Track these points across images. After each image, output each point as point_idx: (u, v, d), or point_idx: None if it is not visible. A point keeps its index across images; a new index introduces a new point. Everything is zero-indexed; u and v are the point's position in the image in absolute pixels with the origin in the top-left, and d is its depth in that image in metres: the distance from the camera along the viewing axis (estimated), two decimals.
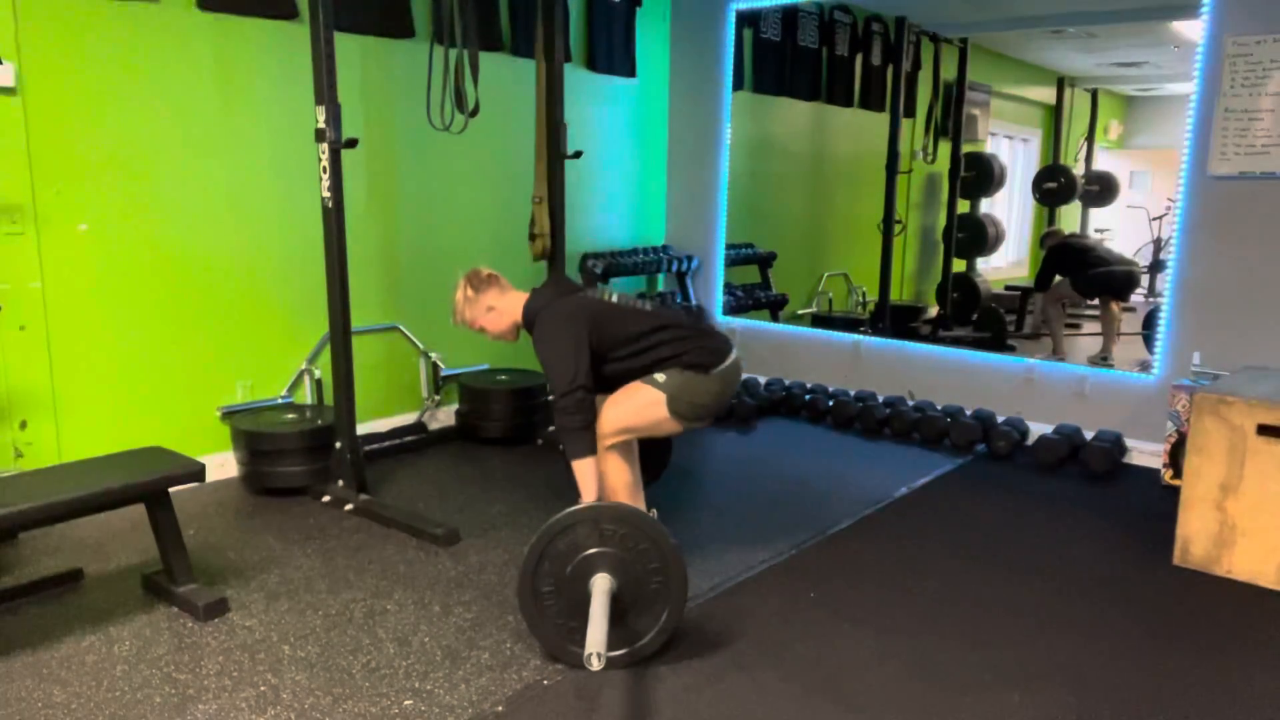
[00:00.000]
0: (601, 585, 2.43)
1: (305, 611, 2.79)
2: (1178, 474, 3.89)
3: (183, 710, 2.28)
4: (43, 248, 3.37)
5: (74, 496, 2.56)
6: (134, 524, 3.35)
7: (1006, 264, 5.71)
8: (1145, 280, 4.92)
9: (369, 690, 2.37)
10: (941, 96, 5.43)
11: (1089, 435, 4.37)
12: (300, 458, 3.71)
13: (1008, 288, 5.72)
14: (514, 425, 4.47)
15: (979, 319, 5.46)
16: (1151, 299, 4.74)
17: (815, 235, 6.13)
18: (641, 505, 2.95)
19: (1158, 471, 4.14)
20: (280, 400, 4.07)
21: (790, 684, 2.43)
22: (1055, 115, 5.39)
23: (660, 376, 2.91)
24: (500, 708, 2.30)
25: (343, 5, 3.75)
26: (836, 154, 5.98)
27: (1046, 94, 5.39)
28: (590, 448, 2.81)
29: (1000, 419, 4.61)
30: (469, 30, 3.84)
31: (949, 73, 5.37)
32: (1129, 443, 4.34)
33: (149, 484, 2.70)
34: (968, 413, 4.72)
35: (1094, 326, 5.13)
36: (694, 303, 5.78)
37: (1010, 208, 5.67)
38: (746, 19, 5.50)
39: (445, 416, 4.73)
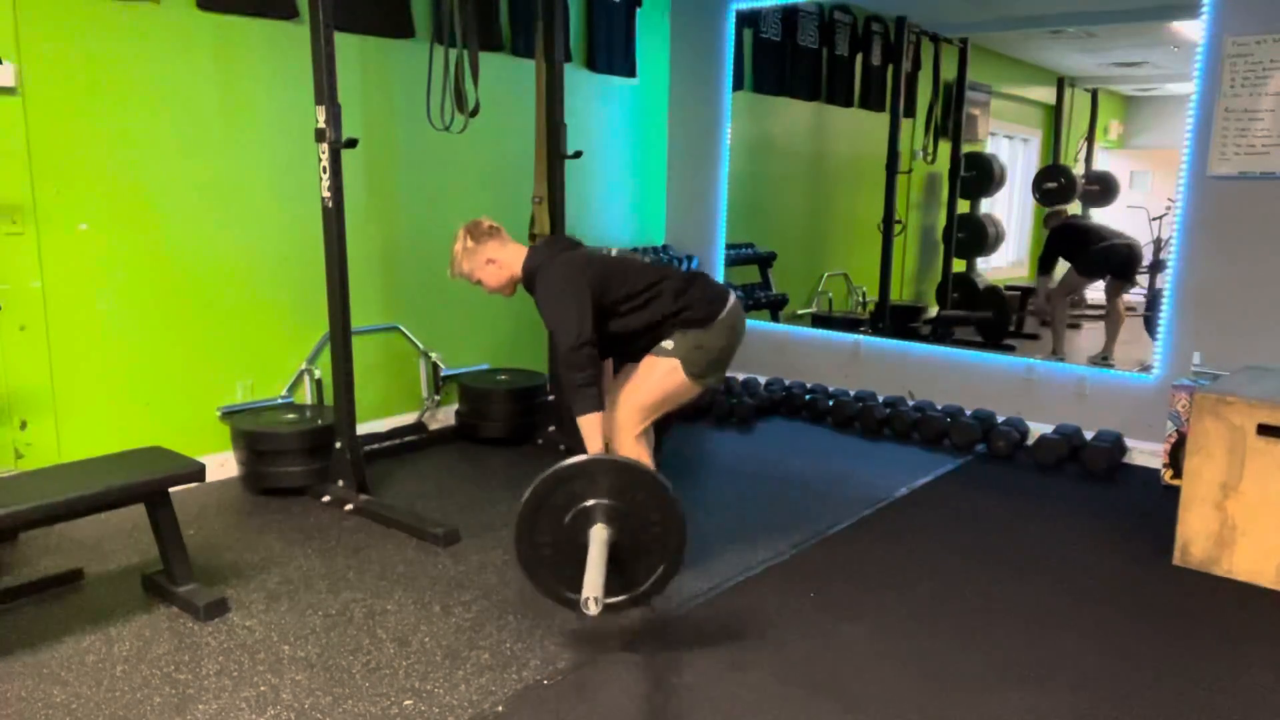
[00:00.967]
0: (599, 535, 2.42)
1: (305, 611, 2.79)
2: (1178, 474, 3.89)
3: (183, 710, 2.28)
4: (43, 248, 3.37)
5: (74, 496, 2.56)
6: (134, 524, 3.35)
7: (1006, 264, 5.71)
8: (1146, 276, 4.93)
9: (369, 690, 2.37)
10: (941, 96, 5.43)
11: (1089, 435, 4.37)
12: (300, 458, 3.71)
13: (1008, 288, 5.72)
14: (514, 425, 4.47)
15: (982, 300, 5.46)
16: (1147, 293, 4.74)
17: (815, 235, 6.13)
18: None
19: (1158, 471, 4.14)
20: (280, 400, 4.07)
21: (790, 684, 2.43)
22: (1055, 115, 5.39)
23: (668, 344, 2.88)
24: (500, 708, 2.30)
25: (343, 5, 3.75)
26: (836, 154, 5.98)
27: (1046, 94, 5.39)
28: (597, 403, 2.73)
29: (1000, 419, 4.61)
30: (469, 30, 3.84)
31: (949, 73, 5.37)
32: (1129, 443, 4.34)
33: (149, 484, 2.70)
34: (968, 413, 4.72)
35: (1093, 325, 5.13)
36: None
37: (1010, 208, 5.67)
38: (746, 19, 5.50)
39: (445, 416, 4.73)
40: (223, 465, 3.90)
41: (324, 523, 3.49)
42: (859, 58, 5.58)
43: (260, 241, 3.94)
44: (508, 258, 3.00)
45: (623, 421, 2.89)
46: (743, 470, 4.23)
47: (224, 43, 3.73)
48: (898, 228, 5.48)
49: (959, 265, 5.67)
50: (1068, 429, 4.38)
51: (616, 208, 5.58)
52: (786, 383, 5.32)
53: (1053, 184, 5.40)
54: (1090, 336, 5.12)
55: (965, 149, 5.48)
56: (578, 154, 4.35)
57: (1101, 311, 5.05)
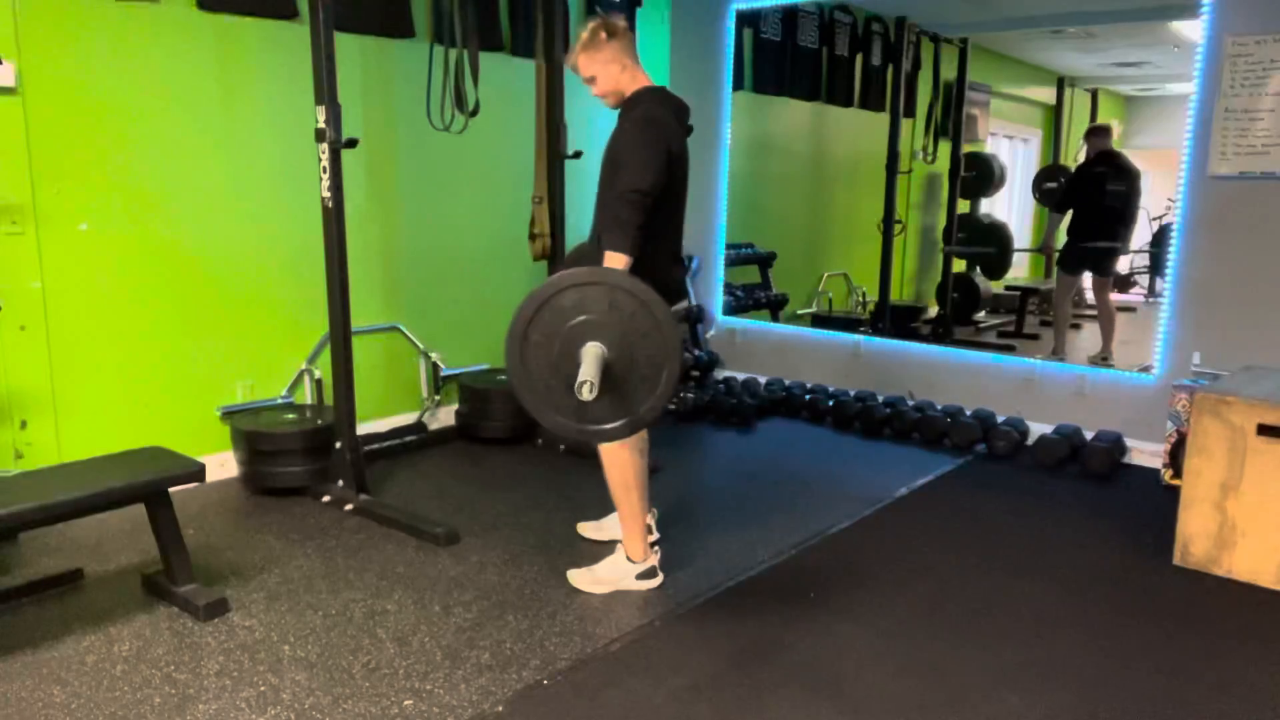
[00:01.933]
0: (593, 347, 2.35)
1: (305, 611, 2.79)
2: (1178, 474, 3.89)
3: (183, 710, 2.28)
4: (43, 248, 3.37)
5: (74, 496, 2.56)
6: (134, 524, 3.35)
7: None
8: (1144, 280, 4.93)
9: (369, 690, 2.37)
10: (941, 96, 5.43)
11: (1089, 435, 4.37)
12: (300, 458, 3.71)
13: (1008, 288, 5.72)
14: (514, 425, 4.47)
15: (986, 235, 5.47)
16: (1150, 299, 4.74)
17: (815, 235, 6.13)
18: (646, 492, 2.94)
19: (1158, 471, 4.14)
20: (280, 400, 4.07)
21: (790, 684, 2.43)
22: (1055, 115, 5.39)
23: None
24: (500, 708, 2.30)
25: (343, 5, 3.75)
26: (836, 154, 5.98)
27: (1046, 94, 5.40)
28: (635, 246, 2.62)
29: (1000, 419, 4.61)
30: (469, 30, 3.84)
31: (949, 73, 5.38)
32: (1129, 443, 4.34)
33: (149, 484, 2.70)
34: (968, 413, 4.72)
35: (1093, 325, 5.13)
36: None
37: (1010, 208, 5.67)
38: (746, 19, 5.50)
39: (445, 416, 4.73)
40: (223, 465, 3.90)
41: (324, 523, 3.49)
42: (859, 58, 5.58)
43: (260, 241, 3.94)
44: (630, 70, 2.84)
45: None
46: (743, 470, 4.23)
47: (224, 43, 3.73)
48: (898, 228, 5.48)
49: (959, 265, 5.68)
50: (1068, 429, 4.38)
51: None
52: (786, 383, 5.32)
53: (1053, 184, 5.41)
54: (1090, 336, 5.12)
55: (965, 149, 5.48)
56: (578, 154, 4.35)
57: (1094, 313, 5.06)
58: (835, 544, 3.38)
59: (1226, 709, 2.37)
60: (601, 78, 2.85)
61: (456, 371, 4.70)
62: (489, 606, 2.84)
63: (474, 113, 3.87)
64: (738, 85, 5.56)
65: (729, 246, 5.72)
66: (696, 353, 5.52)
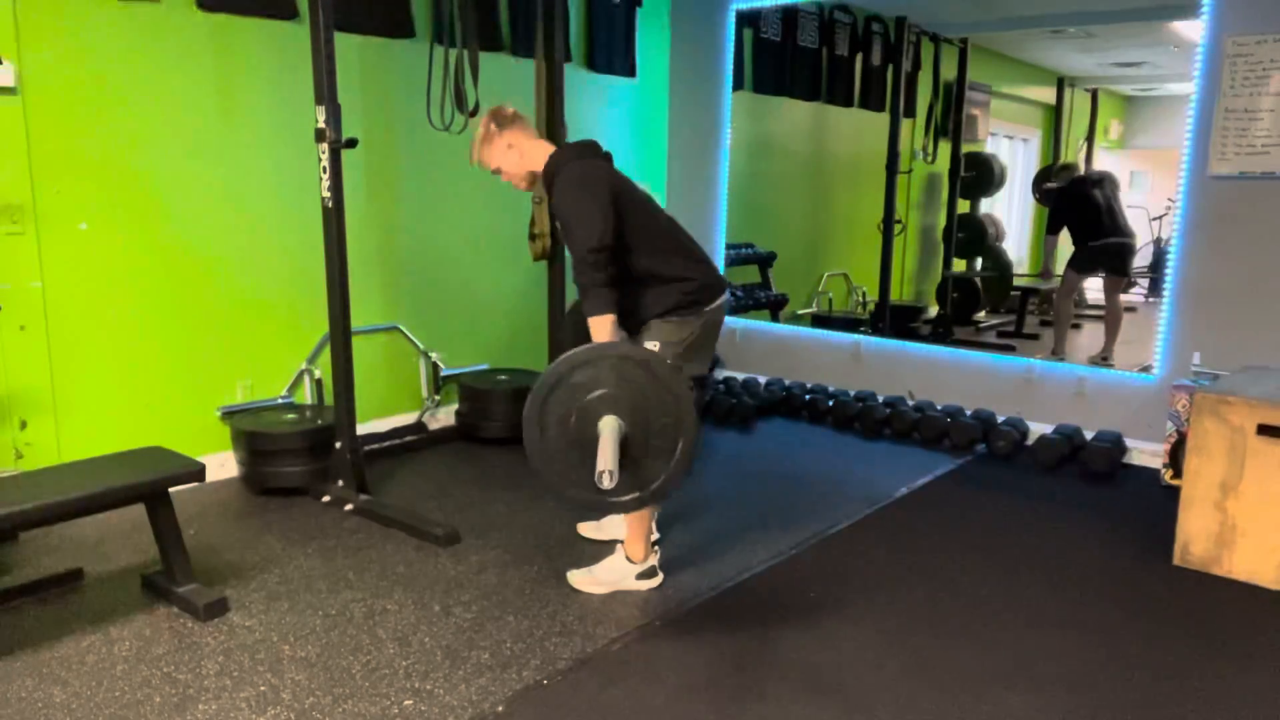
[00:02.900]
0: (610, 423, 2.37)
1: (305, 611, 2.79)
2: (1178, 474, 3.89)
3: (183, 710, 2.28)
4: (43, 248, 3.37)
5: (74, 496, 2.56)
6: (134, 524, 3.35)
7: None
8: (1144, 280, 4.93)
9: (369, 690, 2.37)
10: (941, 96, 5.43)
11: (1089, 435, 4.37)
12: (300, 458, 3.71)
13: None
14: (514, 425, 4.43)
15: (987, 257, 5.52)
16: (1151, 299, 4.74)
17: (815, 235, 6.13)
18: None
19: (1158, 471, 4.14)
20: (280, 400, 4.07)
21: (790, 684, 2.43)
22: (1055, 115, 5.39)
23: (650, 344, 2.79)
24: (500, 708, 2.30)
25: (343, 5, 3.75)
26: (836, 154, 5.98)
27: (1046, 94, 5.39)
28: (612, 305, 2.65)
29: (1000, 419, 4.61)
30: (469, 30, 3.84)
31: (949, 73, 5.38)
32: (1129, 443, 4.34)
33: (149, 484, 2.70)
34: (968, 413, 4.72)
35: (1095, 325, 5.13)
36: None
37: (1010, 208, 5.67)
38: (746, 19, 5.50)
39: (445, 416, 4.73)
40: (223, 465, 3.90)
41: (324, 523, 3.49)
42: (859, 58, 5.58)
43: (260, 241, 3.94)
44: (530, 148, 2.88)
45: None
46: (743, 470, 4.23)
47: (224, 43, 3.73)
48: (898, 228, 5.48)
49: (959, 265, 5.68)
50: (1068, 429, 4.38)
51: None
52: (786, 383, 5.32)
53: (1053, 184, 5.40)
54: (1090, 336, 5.12)
55: (965, 149, 5.48)
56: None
57: (1102, 311, 5.05)
58: (835, 544, 3.38)
59: (1226, 709, 2.37)
60: (505, 166, 2.91)
61: (456, 371, 4.70)
62: (489, 606, 2.84)
63: (474, 113, 3.87)
64: (738, 85, 5.56)
65: (729, 246, 5.72)
66: None
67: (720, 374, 5.64)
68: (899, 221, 5.48)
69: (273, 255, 3.98)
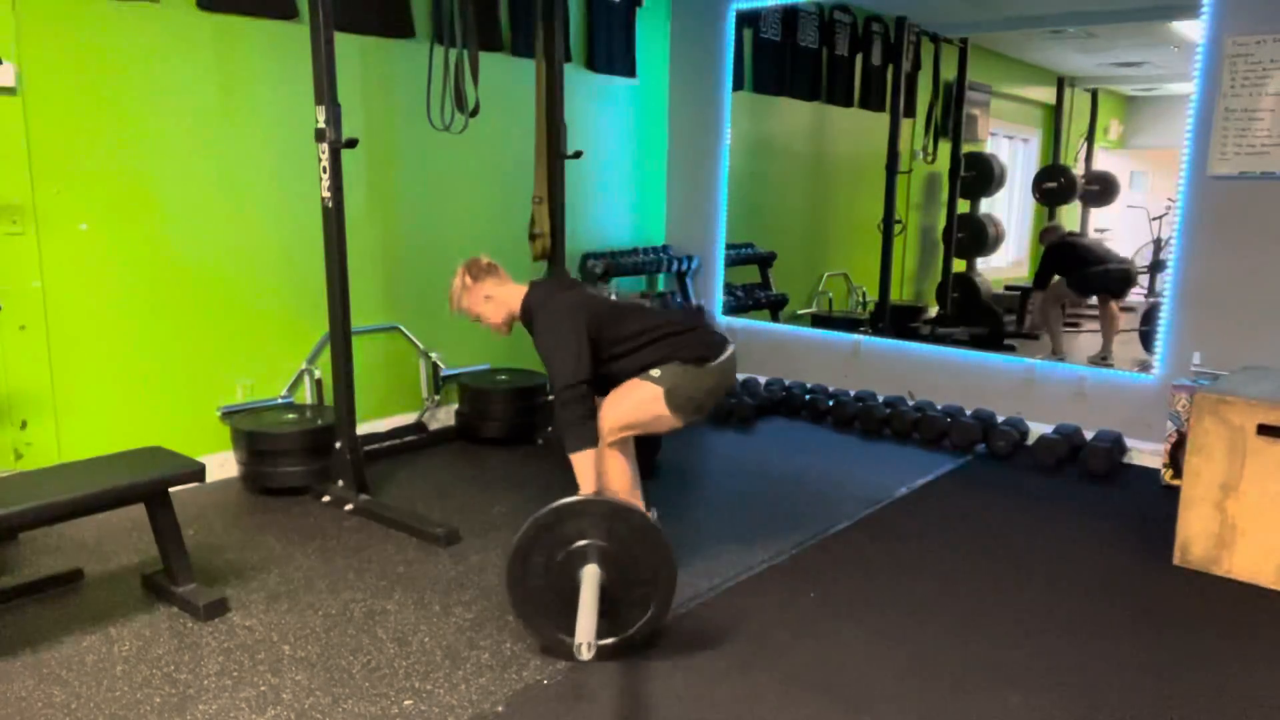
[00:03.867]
0: (591, 576, 2.44)
1: (305, 611, 2.79)
2: (1178, 474, 3.89)
3: (183, 710, 2.28)
4: (43, 248, 3.37)
5: (74, 496, 2.56)
6: (134, 524, 3.35)
7: (1006, 264, 5.71)
8: (1144, 280, 4.93)
9: (369, 690, 2.37)
10: (941, 96, 5.43)
11: (1089, 435, 4.37)
12: (300, 458, 3.71)
13: (1007, 288, 5.72)
14: (514, 425, 4.47)
15: (978, 316, 5.49)
16: (1150, 298, 4.75)
17: (815, 235, 6.13)
18: (640, 503, 2.95)
19: (1158, 471, 4.14)
20: (280, 400, 4.07)
21: (790, 684, 2.43)
22: (1055, 115, 5.39)
23: (656, 372, 2.90)
24: (500, 708, 2.30)
25: (343, 5, 3.75)
26: (836, 154, 5.98)
27: (1046, 94, 5.39)
28: (591, 440, 2.79)
29: (1000, 419, 4.61)
30: (469, 30, 3.84)
31: (949, 73, 5.37)
32: (1129, 443, 4.34)
33: (149, 484, 2.70)
34: (968, 413, 4.72)
35: (1093, 325, 5.13)
36: (695, 302, 5.78)
37: (1010, 208, 5.67)
38: (746, 19, 5.50)
39: (445, 416, 4.73)
40: (223, 465, 3.90)
41: (324, 523, 3.49)
42: (859, 58, 5.57)
43: (260, 241, 3.94)
44: (505, 295, 3.09)
45: (600, 429, 2.90)
46: (743, 470, 4.23)
47: (224, 43, 3.73)
48: (898, 228, 5.48)
49: (959, 265, 5.67)
50: (1068, 429, 4.38)
51: (617, 208, 5.58)
52: (786, 383, 5.32)
53: (1053, 184, 5.40)
54: (1090, 336, 5.12)
55: (965, 149, 5.48)
56: (578, 154, 4.35)
57: (1098, 313, 5.05)
58: (835, 544, 3.38)
59: (1226, 709, 2.37)
60: (485, 313, 3.11)
61: (456, 371, 4.70)
62: (489, 606, 2.84)
63: (474, 113, 3.87)
64: (738, 85, 5.56)
65: (729, 246, 5.72)
66: None
67: None
68: (899, 221, 5.48)
69: (273, 255, 3.98)
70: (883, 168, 5.43)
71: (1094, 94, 5.27)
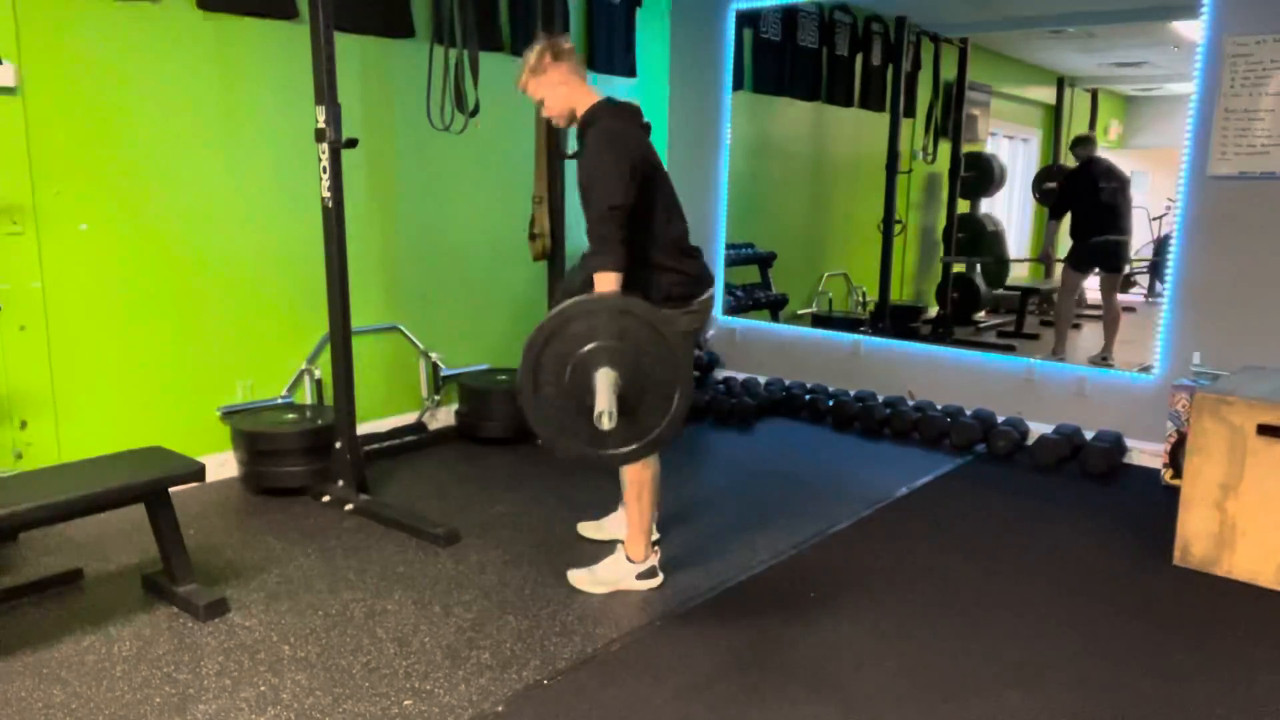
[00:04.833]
0: (606, 374, 2.38)
1: (305, 611, 2.79)
2: (1178, 474, 3.89)
3: (183, 710, 2.28)
4: (43, 248, 3.37)
5: (74, 496, 2.56)
6: (134, 524, 3.34)
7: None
8: (1144, 280, 4.93)
9: (369, 690, 2.37)
10: (941, 96, 5.43)
11: (1089, 435, 4.37)
12: (300, 458, 3.71)
13: (1007, 288, 5.73)
14: (514, 425, 4.47)
15: (984, 246, 5.54)
16: (1150, 298, 4.75)
17: (815, 235, 6.13)
18: (658, 498, 2.95)
19: (1158, 471, 4.14)
20: (280, 400, 4.07)
21: (790, 684, 2.43)
22: (1055, 115, 5.39)
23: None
24: (500, 708, 2.30)
25: (343, 5, 3.75)
26: (836, 154, 5.98)
27: (1046, 94, 5.40)
28: (622, 263, 2.64)
29: (1000, 419, 4.61)
30: (469, 30, 3.84)
31: (949, 73, 5.38)
32: (1129, 443, 4.33)
33: (149, 484, 2.70)
34: (968, 413, 4.72)
35: (1094, 325, 5.14)
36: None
37: (1010, 207, 5.68)
38: (746, 19, 5.50)
39: (445, 416, 4.73)
40: (223, 465, 3.90)
41: (324, 523, 3.49)
42: (859, 58, 5.58)
43: (260, 241, 3.94)
44: (578, 89, 2.87)
45: None
46: (743, 470, 4.23)
47: (224, 43, 3.73)
48: (898, 228, 5.48)
49: (959, 265, 5.68)
50: (1068, 429, 4.38)
51: None
52: (786, 383, 5.32)
53: (1053, 184, 5.41)
54: (1090, 336, 5.13)
55: (965, 149, 5.48)
56: (578, 154, 4.34)
57: (1100, 312, 5.06)
58: (835, 544, 3.38)
59: (1226, 709, 2.37)
60: (550, 99, 2.90)
61: (456, 371, 4.70)
62: (489, 606, 2.84)
63: (474, 113, 3.87)
64: (738, 85, 5.56)
65: (729, 246, 5.72)
66: (696, 353, 5.52)
67: (720, 374, 5.64)
68: (899, 221, 5.48)
69: (273, 255, 3.98)
70: (883, 168, 5.43)
71: (1094, 94, 5.27)
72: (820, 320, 5.77)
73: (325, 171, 3.42)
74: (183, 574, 2.80)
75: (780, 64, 5.60)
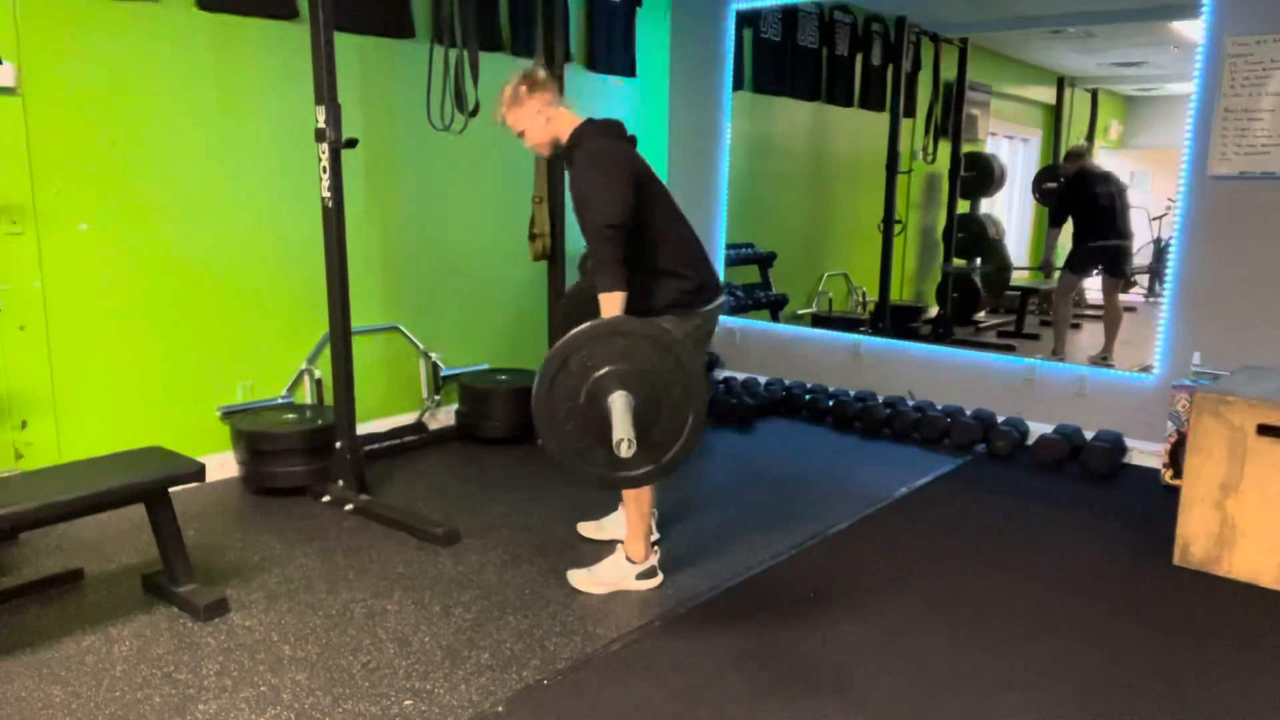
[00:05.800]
0: (620, 398, 2.38)
1: (305, 611, 2.79)
2: (1178, 474, 3.89)
3: (183, 710, 2.28)
4: (43, 248, 3.37)
5: (74, 496, 2.55)
6: (134, 524, 3.34)
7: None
8: (1144, 273, 4.94)
9: (369, 690, 2.37)
10: (941, 96, 5.43)
11: (1089, 435, 4.37)
12: (300, 458, 3.71)
13: (1008, 288, 5.72)
14: (514, 425, 4.47)
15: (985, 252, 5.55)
16: (1150, 299, 4.75)
17: (815, 235, 6.13)
18: (654, 504, 2.95)
19: (1158, 471, 4.14)
20: (280, 400, 4.07)
21: (790, 684, 2.43)
22: (1055, 115, 5.39)
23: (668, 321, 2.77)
24: (500, 708, 2.30)
25: (343, 5, 3.75)
26: (836, 154, 5.98)
27: (1046, 94, 5.40)
28: (624, 282, 2.64)
29: (1000, 419, 4.61)
30: (469, 30, 3.84)
31: (949, 73, 5.38)
32: (1129, 443, 4.33)
33: (149, 484, 2.70)
34: (968, 413, 4.72)
35: (1094, 325, 5.13)
36: None
37: (1010, 208, 5.67)
38: (746, 19, 5.50)
39: (445, 416, 4.73)
40: (223, 465, 3.90)
41: (324, 523, 3.49)
42: (859, 58, 5.58)
43: (260, 241, 3.94)
44: (557, 115, 2.85)
45: None
46: (742, 470, 4.23)
47: (224, 43, 3.73)
48: (898, 228, 5.48)
49: (960, 261, 5.68)
50: (1068, 429, 4.38)
51: None
52: (786, 383, 5.32)
53: (1053, 184, 5.40)
54: (1090, 336, 5.12)
55: (965, 149, 5.48)
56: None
57: (1101, 311, 5.05)
58: (835, 544, 3.38)
59: (1226, 709, 2.37)
60: (530, 130, 2.89)
61: (456, 371, 4.70)
62: (489, 606, 2.84)
63: (474, 113, 3.87)
64: (738, 85, 5.56)
65: (729, 246, 5.72)
66: None
67: (720, 374, 5.64)
68: (899, 221, 5.48)
69: (273, 255, 3.98)
70: (883, 168, 5.43)
71: (1094, 94, 5.27)
72: (820, 320, 5.77)
73: (325, 171, 3.42)
74: (183, 574, 2.81)
75: (780, 64, 5.60)
